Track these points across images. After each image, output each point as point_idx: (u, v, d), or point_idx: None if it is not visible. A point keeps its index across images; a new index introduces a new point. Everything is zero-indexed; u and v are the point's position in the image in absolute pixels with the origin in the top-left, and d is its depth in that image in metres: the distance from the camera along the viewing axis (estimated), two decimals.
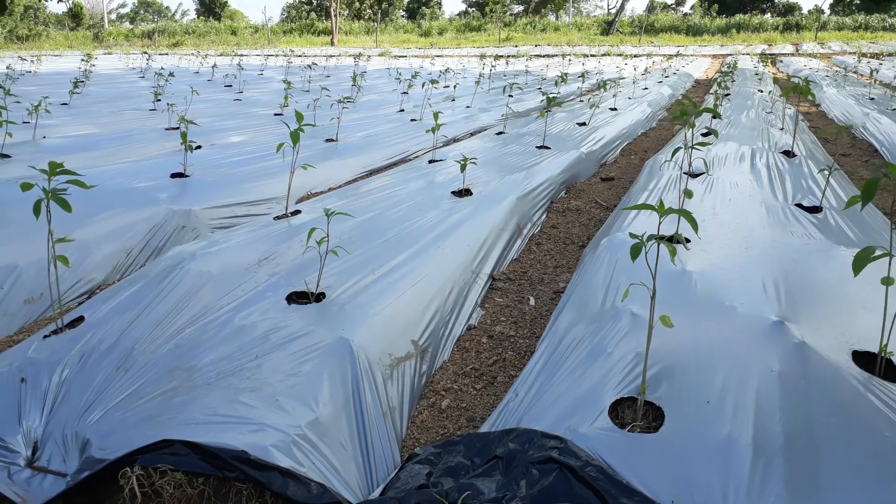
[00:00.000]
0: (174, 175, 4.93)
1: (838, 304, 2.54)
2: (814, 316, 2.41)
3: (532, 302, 3.43)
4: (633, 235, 1.95)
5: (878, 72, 15.07)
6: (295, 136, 3.70)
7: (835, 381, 2.02)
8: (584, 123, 7.87)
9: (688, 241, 3.11)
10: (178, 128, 7.33)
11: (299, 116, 3.94)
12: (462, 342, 3.03)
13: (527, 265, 3.96)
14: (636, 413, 1.92)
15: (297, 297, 2.70)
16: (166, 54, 34.05)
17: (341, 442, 2.09)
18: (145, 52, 24.48)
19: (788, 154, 5.60)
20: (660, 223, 2.11)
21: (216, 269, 2.93)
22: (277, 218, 3.83)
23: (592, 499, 1.65)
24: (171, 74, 12.50)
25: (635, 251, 1.86)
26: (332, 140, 6.74)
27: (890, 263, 2.13)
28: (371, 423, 2.21)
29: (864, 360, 2.16)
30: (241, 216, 4.57)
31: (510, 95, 10.96)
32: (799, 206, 3.92)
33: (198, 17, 67.82)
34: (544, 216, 4.88)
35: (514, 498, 1.73)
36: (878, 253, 1.97)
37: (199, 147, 5.99)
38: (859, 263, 1.96)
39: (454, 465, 1.93)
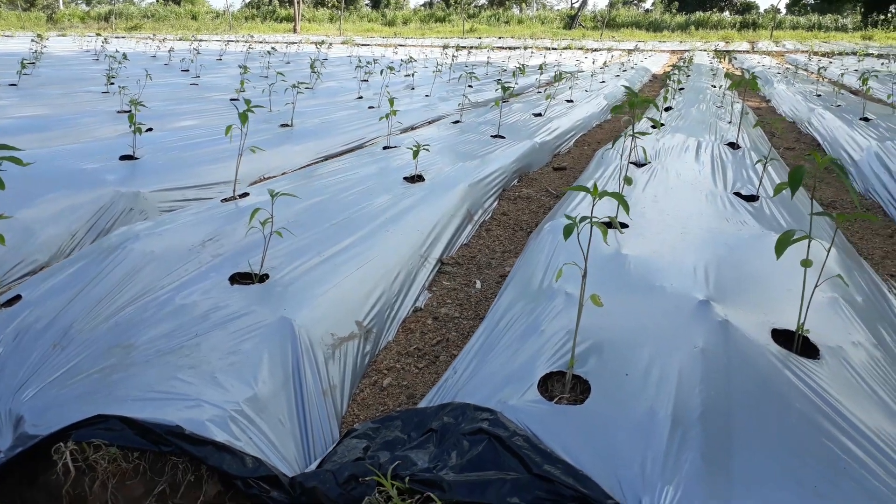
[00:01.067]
0: (123, 157, 4.86)
1: (764, 287, 2.66)
2: (739, 297, 2.52)
3: (478, 285, 3.50)
4: (567, 217, 2.02)
5: (825, 70, 15.52)
6: (244, 117, 3.69)
7: (754, 357, 2.12)
8: (539, 114, 7.96)
9: (625, 225, 3.20)
10: (129, 111, 7.19)
11: (247, 101, 3.94)
12: (407, 323, 3.08)
13: (476, 250, 4.02)
14: (564, 386, 2.00)
15: (240, 278, 2.71)
16: (123, 38, 33.18)
17: (280, 418, 2.12)
18: (100, 35, 23.82)
19: (733, 146, 5.77)
20: (593, 206, 2.19)
21: (159, 249, 2.92)
22: (225, 200, 3.81)
23: (517, 466, 1.72)
24: (125, 57, 12.20)
25: (567, 231, 1.93)
26: (286, 125, 6.69)
27: (809, 246, 2.24)
28: (310, 400, 2.25)
29: (783, 337, 2.27)
30: (192, 199, 4.52)
31: (469, 85, 11.01)
32: (737, 194, 4.06)
33: (157, 1, 66.16)
34: (496, 203, 4.95)
35: (444, 467, 1.79)
36: (797, 236, 2.07)
37: (150, 129, 5.90)
38: (781, 246, 2.07)
39: (391, 439, 1.98)
